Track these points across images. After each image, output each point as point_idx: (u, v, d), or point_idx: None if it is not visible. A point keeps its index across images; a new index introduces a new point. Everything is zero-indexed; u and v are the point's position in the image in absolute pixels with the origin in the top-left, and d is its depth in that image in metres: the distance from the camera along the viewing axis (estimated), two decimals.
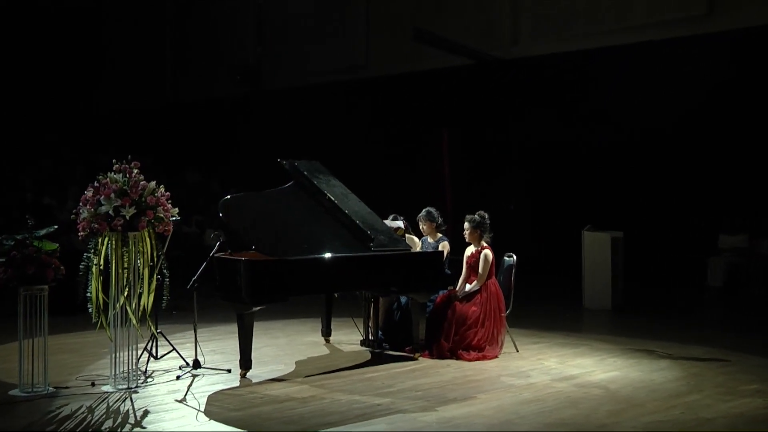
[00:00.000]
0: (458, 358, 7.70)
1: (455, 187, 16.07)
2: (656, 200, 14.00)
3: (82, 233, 6.42)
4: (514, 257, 8.28)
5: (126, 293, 6.44)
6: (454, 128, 16.27)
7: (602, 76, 14.31)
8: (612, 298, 11.21)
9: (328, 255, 7.31)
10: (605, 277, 11.25)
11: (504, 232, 9.12)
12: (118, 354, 6.54)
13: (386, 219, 8.49)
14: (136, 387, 6.57)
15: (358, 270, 7.52)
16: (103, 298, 6.43)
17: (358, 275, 7.53)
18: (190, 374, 7.09)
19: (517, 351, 8.09)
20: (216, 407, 6.11)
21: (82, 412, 5.93)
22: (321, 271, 7.28)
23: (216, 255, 7.23)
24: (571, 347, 8.42)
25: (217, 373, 7.13)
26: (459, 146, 16.22)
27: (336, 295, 8.63)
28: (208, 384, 6.81)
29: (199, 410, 6.01)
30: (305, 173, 8.07)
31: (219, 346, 8.45)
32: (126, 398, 6.30)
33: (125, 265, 6.43)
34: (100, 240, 6.42)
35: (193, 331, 7.33)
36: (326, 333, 8.78)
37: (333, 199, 7.90)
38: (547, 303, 11.96)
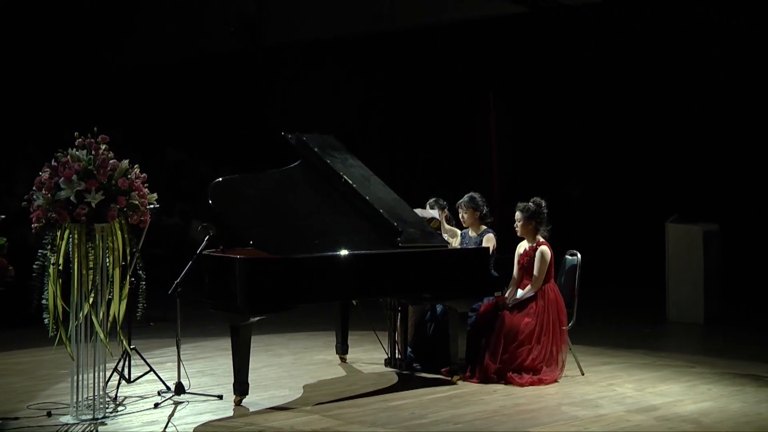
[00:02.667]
0: (508, 381, 7.67)
1: (503, 167, 15.99)
2: (762, 183, 13.83)
3: (36, 225, 6.43)
4: (579, 256, 8.22)
5: (92, 300, 6.45)
6: (503, 93, 16.18)
7: (693, 26, 14.10)
8: (704, 307, 11.11)
9: (344, 253, 7.29)
10: (696, 281, 11.16)
11: (566, 224, 9.06)
12: (80, 376, 6.55)
13: (418, 208, 8.46)
14: (104, 417, 6.58)
15: (382, 271, 7.50)
16: (62, 306, 6.45)
17: (382, 278, 7.50)
18: (171, 401, 7.10)
19: (583, 374, 8.05)
20: None
21: None
22: (336, 272, 7.26)
23: (205, 252, 7.24)
24: (652, 370, 8.37)
25: (205, 400, 7.14)
26: (508, 115, 16.13)
27: (354, 302, 8.62)
28: (194, 413, 6.81)
29: None
30: (316, 150, 8.05)
31: (208, 366, 8.47)
32: (91, 431, 6.31)
33: (90, 264, 6.43)
34: (59, 233, 6.42)
35: (175, 348, 7.34)
36: (342, 350, 8.78)
37: (351, 182, 7.88)
38: (620, 314, 11.88)
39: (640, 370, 8.33)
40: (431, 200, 8.77)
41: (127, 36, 20.07)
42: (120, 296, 6.58)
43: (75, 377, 6.56)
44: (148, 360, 7.64)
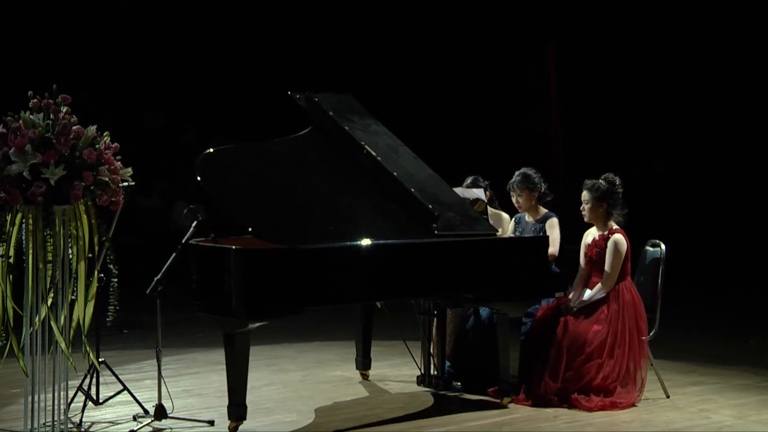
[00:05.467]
0: (572, 405, 7.67)
1: (568, 137, 15.95)
2: None
3: None
4: (663, 247, 8.19)
5: (50, 301, 6.48)
6: (567, 41, 16.10)
7: None
8: None
9: (366, 242, 7.30)
10: None
11: (646, 208, 9.03)
12: (37, 396, 6.59)
13: (458, 187, 8.47)
14: None
15: (413, 266, 7.49)
16: (13, 308, 6.48)
17: (413, 274, 7.50)
18: (150, 428, 7.14)
19: (668, 396, 8.03)
20: None
21: None
22: (356, 267, 7.26)
23: (192, 242, 7.26)
24: (756, 392, 8.34)
25: (192, 427, 7.18)
26: (573, 71, 16.06)
27: (379, 305, 8.64)
28: None
29: None
30: (331, 114, 8.05)
31: (195, 384, 8.52)
32: None
33: (49, 256, 6.46)
34: (9, 217, 6.45)
35: (155, 361, 7.37)
36: (363, 365, 8.80)
37: (375, 154, 7.87)
38: (715, 321, 11.83)
39: (740, 393, 8.30)
40: (469, 179, 8.75)
41: None
42: (86, 297, 6.61)
43: (30, 398, 6.59)
44: (120, 376, 7.65)
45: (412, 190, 7.73)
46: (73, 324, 6.60)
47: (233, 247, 6.88)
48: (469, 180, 8.73)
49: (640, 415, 7.57)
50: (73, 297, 6.58)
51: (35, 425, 6.60)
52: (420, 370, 8.46)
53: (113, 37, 19.35)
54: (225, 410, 7.08)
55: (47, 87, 6.63)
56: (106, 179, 6.56)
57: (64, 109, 6.56)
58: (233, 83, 18.51)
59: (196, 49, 19.02)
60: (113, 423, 7.24)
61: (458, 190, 8.33)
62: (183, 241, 7.25)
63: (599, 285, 7.97)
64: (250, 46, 18.56)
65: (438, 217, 7.62)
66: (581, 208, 8.11)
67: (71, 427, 6.91)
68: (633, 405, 7.74)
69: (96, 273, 6.70)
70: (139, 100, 18.42)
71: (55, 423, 6.63)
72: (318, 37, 17.47)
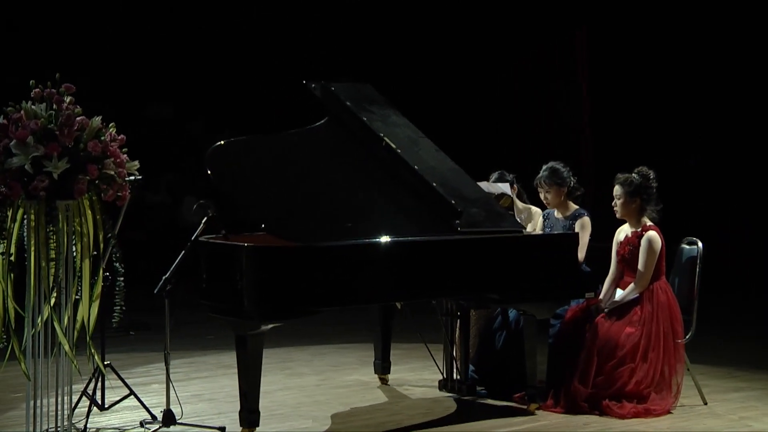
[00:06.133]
0: (603, 412, 7.66)
1: (598, 128, 15.91)
2: None
3: None
4: (700, 245, 8.16)
5: (53, 301, 6.50)
6: (599, 25, 16.06)
7: None
8: None
9: (385, 239, 7.30)
10: None
11: (681, 203, 9.00)
12: (39, 401, 6.60)
13: (482, 181, 8.46)
14: None
15: (435, 264, 7.47)
16: (15, 309, 6.50)
17: (435, 273, 7.48)
18: None
19: (705, 403, 8.01)
20: None
21: None
22: (374, 265, 7.25)
23: (202, 239, 7.27)
24: None
25: None
26: (605, 57, 16.02)
27: (399, 306, 8.64)
28: None
29: None
30: (348, 104, 8.05)
31: (206, 389, 8.54)
32: None
33: (52, 254, 6.47)
34: (10, 213, 6.46)
35: (163, 365, 7.38)
36: (383, 368, 8.81)
37: (394, 146, 7.87)
38: (756, 322, 11.79)
39: None
40: (495, 174, 8.74)
41: None
42: (91, 296, 6.62)
43: (31, 402, 6.60)
44: (127, 380, 7.68)
45: (434, 184, 7.72)
46: (77, 325, 6.61)
47: (245, 244, 6.88)
48: (495, 175, 8.72)
49: (676, 422, 7.55)
50: (77, 297, 6.58)
51: (38, 431, 6.62)
52: (442, 374, 8.47)
53: (119, 27, 19.40)
54: (237, 416, 7.08)
55: (50, 76, 6.64)
56: (112, 173, 6.55)
57: (68, 99, 6.57)
58: (242, 74, 18.53)
59: (204, 39, 19.05)
60: (119, 429, 7.25)
61: (483, 185, 8.32)
62: (192, 238, 7.25)
63: (632, 285, 7.95)
64: (258, 37, 18.58)
65: (461, 213, 7.61)
66: (613, 203, 8.09)
67: None
68: (668, 412, 7.73)
69: (101, 271, 6.71)
70: (145, 90, 18.45)
71: (59, 429, 6.63)
72: (327, 30, 17.48)
